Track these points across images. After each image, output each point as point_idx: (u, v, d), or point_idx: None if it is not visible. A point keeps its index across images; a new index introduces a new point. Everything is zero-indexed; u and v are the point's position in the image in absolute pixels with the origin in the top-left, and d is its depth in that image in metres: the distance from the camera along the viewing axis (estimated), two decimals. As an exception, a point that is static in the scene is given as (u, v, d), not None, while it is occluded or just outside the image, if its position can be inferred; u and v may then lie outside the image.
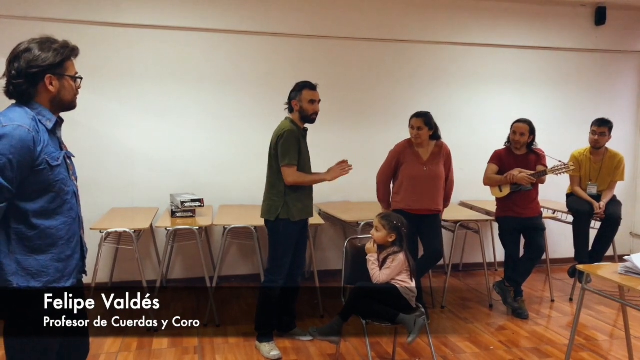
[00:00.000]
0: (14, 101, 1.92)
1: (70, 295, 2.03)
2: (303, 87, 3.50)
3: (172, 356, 3.50)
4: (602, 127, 4.62)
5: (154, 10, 4.84)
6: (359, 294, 3.06)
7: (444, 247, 4.11)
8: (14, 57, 1.87)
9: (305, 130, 3.63)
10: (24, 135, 1.78)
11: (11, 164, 1.75)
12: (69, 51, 1.94)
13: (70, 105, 1.99)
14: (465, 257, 5.81)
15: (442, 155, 4.03)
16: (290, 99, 3.54)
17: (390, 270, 3.08)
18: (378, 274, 3.10)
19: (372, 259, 3.16)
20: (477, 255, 5.74)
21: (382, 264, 3.13)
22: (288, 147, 3.41)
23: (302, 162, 3.49)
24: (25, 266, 1.85)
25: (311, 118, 3.52)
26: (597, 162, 4.72)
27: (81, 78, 2.01)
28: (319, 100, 3.54)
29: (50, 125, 1.91)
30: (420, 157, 3.98)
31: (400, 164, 4.00)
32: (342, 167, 3.50)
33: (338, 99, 5.34)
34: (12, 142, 1.76)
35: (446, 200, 4.12)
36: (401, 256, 3.12)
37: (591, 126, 4.70)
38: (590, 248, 4.73)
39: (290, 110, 3.56)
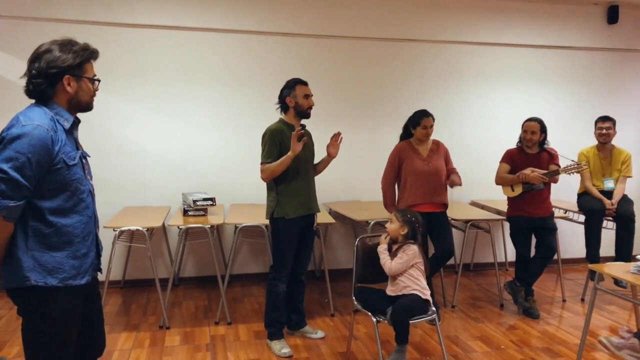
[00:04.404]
0: (33, 101, 1.97)
1: (86, 292, 2.06)
2: (295, 83, 3.55)
3: (184, 353, 3.53)
4: (607, 122, 4.81)
5: (166, 11, 4.88)
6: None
7: (454, 245, 4.12)
8: (35, 57, 1.91)
9: (303, 126, 3.65)
10: (42, 135, 1.82)
11: (30, 163, 1.79)
12: (89, 53, 1.98)
13: (87, 107, 2.04)
14: (476, 256, 5.80)
15: (441, 152, 4.14)
16: (283, 97, 3.58)
17: (403, 261, 3.09)
18: (390, 264, 3.11)
19: (381, 249, 3.19)
20: (487, 254, 5.73)
21: (393, 256, 3.16)
22: (264, 146, 3.49)
23: (294, 159, 3.47)
24: (41, 262, 1.88)
25: (307, 112, 3.57)
26: (606, 158, 4.84)
27: (99, 80, 2.05)
28: (312, 95, 3.59)
29: (67, 125, 1.95)
30: (420, 154, 4.08)
31: (402, 162, 4.08)
32: (298, 141, 3.42)
33: (349, 98, 5.37)
34: (32, 141, 1.79)
35: (454, 174, 4.11)
36: (414, 247, 3.13)
37: (596, 123, 4.87)
38: (615, 254, 4.74)
39: (285, 108, 3.60)
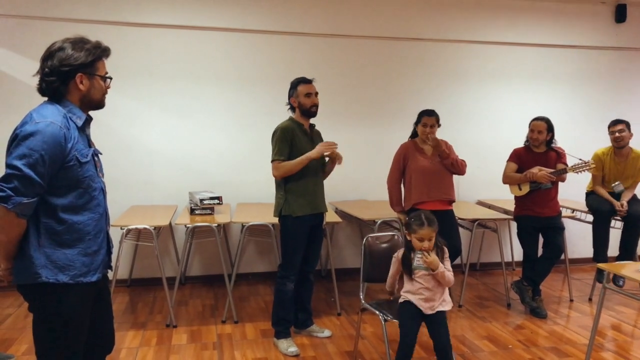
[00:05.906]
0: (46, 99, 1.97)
1: (97, 289, 2.06)
2: (298, 83, 3.55)
3: (191, 351, 3.54)
4: (619, 124, 4.61)
5: (172, 10, 4.89)
6: None
7: (461, 244, 4.11)
8: (48, 55, 1.92)
9: (312, 126, 3.65)
10: (55, 132, 1.82)
11: (43, 160, 1.79)
12: (101, 51, 1.99)
13: (99, 104, 2.04)
14: (482, 256, 5.79)
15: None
16: (288, 97, 3.59)
17: (451, 269, 2.93)
18: (449, 276, 2.90)
19: (442, 267, 2.87)
20: (494, 254, 5.72)
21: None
22: (275, 143, 3.48)
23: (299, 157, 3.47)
24: (53, 259, 1.89)
25: (311, 111, 3.55)
26: (621, 163, 4.69)
27: (111, 78, 2.06)
28: (316, 93, 3.56)
29: (80, 122, 1.96)
30: (424, 152, 4.09)
31: (407, 161, 4.10)
32: (328, 144, 3.45)
33: (354, 97, 5.36)
34: (45, 138, 1.80)
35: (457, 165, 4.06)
36: (446, 250, 2.98)
37: (608, 128, 4.69)
38: (618, 252, 4.71)
39: (292, 109, 3.61)
